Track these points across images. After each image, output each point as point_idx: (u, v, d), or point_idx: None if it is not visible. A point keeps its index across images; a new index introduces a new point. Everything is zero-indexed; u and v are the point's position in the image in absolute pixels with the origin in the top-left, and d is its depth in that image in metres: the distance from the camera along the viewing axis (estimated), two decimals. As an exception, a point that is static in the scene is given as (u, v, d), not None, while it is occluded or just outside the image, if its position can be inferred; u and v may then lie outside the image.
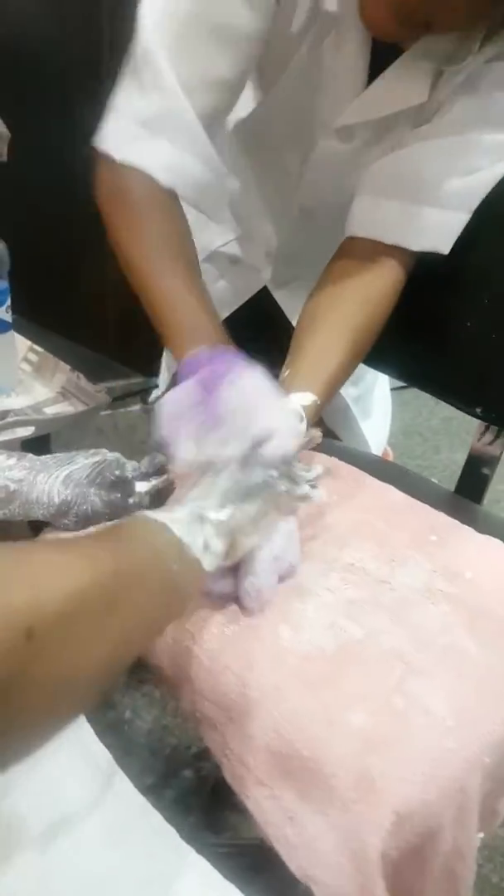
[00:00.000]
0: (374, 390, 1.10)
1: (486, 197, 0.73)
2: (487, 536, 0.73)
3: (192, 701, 0.55)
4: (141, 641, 0.43)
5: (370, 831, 0.45)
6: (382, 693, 0.52)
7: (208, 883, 0.43)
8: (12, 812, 0.45)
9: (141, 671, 0.62)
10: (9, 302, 0.88)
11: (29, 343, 0.97)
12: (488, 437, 0.85)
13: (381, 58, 0.71)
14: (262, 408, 0.59)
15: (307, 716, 0.50)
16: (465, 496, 0.90)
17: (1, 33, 1.74)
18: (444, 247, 0.75)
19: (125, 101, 0.69)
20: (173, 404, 0.60)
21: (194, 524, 0.46)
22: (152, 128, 0.68)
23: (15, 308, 0.89)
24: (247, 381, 0.60)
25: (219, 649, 0.56)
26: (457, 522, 0.75)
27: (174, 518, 0.45)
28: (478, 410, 0.87)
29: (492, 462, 0.88)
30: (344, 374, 0.74)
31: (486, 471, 0.88)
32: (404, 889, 0.50)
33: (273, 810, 0.48)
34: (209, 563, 0.46)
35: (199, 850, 0.45)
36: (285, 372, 0.71)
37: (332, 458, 0.83)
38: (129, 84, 0.69)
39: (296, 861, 0.46)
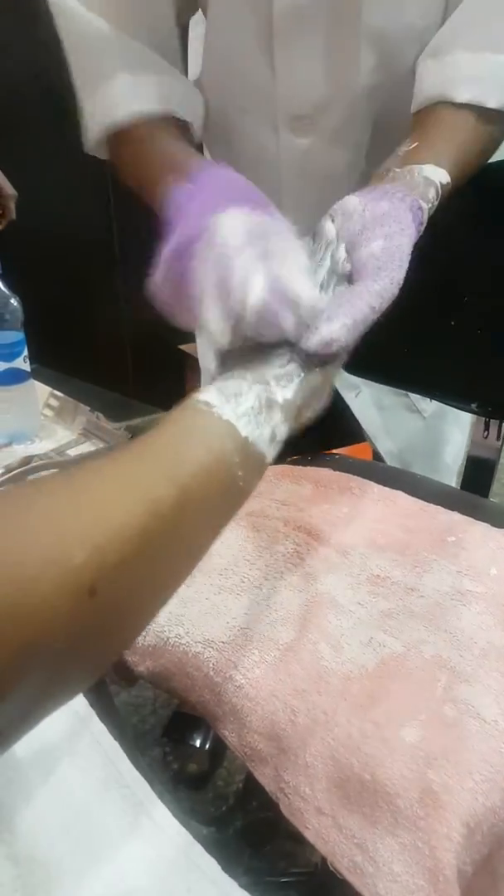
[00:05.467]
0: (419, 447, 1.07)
1: (463, 194, 0.72)
2: (502, 531, 0.73)
3: (239, 735, 0.54)
4: (199, 557, 0.39)
5: (443, 847, 0.45)
6: (432, 704, 0.52)
7: None
8: (48, 856, 0.44)
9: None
10: (26, 352, 0.89)
11: (49, 389, 1.00)
12: (490, 431, 0.85)
13: None
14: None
15: (361, 738, 0.49)
16: (471, 491, 0.90)
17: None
18: None
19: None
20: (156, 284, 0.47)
21: (261, 415, 0.39)
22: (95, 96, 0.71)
23: (34, 357, 0.90)
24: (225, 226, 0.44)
25: (262, 676, 0.55)
26: (471, 519, 0.75)
27: (240, 412, 0.39)
28: (473, 406, 0.88)
29: (494, 455, 0.88)
30: (476, 156, 0.61)
31: (489, 464, 0.89)
32: (479, 902, 0.49)
33: (339, 839, 0.47)
34: (273, 453, 0.41)
35: (252, 884, 0.44)
36: (408, 146, 0.58)
37: (336, 471, 0.82)
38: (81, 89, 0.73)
39: (371, 889, 0.45)
